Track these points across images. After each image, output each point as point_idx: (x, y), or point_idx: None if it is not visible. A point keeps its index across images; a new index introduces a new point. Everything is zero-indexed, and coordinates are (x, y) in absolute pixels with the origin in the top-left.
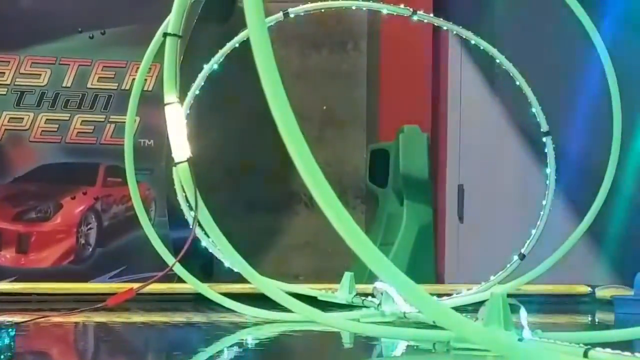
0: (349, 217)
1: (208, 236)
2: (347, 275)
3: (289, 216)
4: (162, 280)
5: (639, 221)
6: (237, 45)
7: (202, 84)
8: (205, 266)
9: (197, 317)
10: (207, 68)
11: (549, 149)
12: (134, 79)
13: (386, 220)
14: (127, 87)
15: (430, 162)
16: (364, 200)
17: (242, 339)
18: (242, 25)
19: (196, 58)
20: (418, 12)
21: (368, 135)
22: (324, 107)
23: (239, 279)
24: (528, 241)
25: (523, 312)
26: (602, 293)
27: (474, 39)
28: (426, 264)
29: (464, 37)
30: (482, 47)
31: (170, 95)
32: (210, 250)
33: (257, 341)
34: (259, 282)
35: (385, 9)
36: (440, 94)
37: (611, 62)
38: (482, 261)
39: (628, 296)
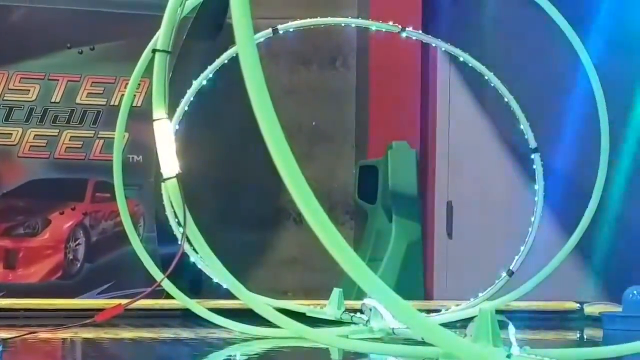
0: (337, 234)
1: (197, 252)
2: (336, 292)
3: (278, 232)
4: (150, 296)
5: (627, 238)
6: (226, 61)
7: (192, 100)
8: (194, 282)
9: (186, 333)
10: (196, 84)
11: (538, 166)
12: (123, 95)
13: (375, 237)
14: (116, 103)
15: (419, 178)
16: (352, 216)
17: (231, 356)
18: (232, 41)
19: (185, 74)
20: (407, 29)
21: (357, 152)
22: (313, 124)
23: (228, 295)
24: (517, 258)
25: (512, 328)
26: (591, 310)
27: (462, 56)
28: (415, 281)
29: (453, 54)
30: (470, 65)
31: (159, 111)
32: (199, 267)
33: (246, 357)
34: (247, 299)
35: (374, 26)
36: (429, 110)
37: (599, 79)
38: (470, 278)
39: (616, 313)
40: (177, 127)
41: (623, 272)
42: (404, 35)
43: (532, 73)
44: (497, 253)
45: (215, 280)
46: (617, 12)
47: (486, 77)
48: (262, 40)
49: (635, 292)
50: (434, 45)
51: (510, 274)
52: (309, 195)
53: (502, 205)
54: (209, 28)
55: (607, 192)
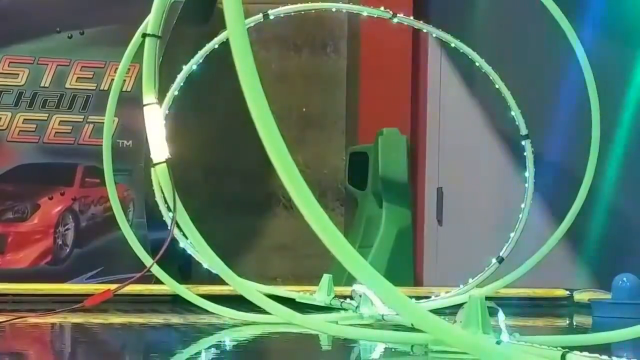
0: (327, 219)
1: (186, 237)
2: (326, 278)
3: (268, 218)
4: (139, 281)
5: (617, 225)
6: (216, 46)
7: (182, 84)
8: (184, 267)
9: (175, 319)
10: (186, 69)
11: (528, 153)
12: (112, 80)
13: (365, 223)
14: (106, 88)
15: (410, 164)
16: (342, 202)
17: (220, 341)
18: (222, 26)
19: (175, 59)
20: (398, 14)
21: (347, 138)
22: (304, 109)
23: (217, 280)
24: (506, 244)
25: (501, 315)
26: (580, 297)
27: (453, 42)
28: (405, 267)
29: (444, 40)
30: (461, 51)
31: (149, 96)
32: (189, 252)
33: (235, 343)
34: (237, 284)
35: (365, 12)
36: (419, 96)
37: (590, 66)
38: (460, 264)
39: (605, 300)
40: (167, 112)
41: (612, 259)
42: (395, 20)
43: (524, 59)
44: (487, 239)
45: (205, 265)
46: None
47: (477, 64)
48: (252, 25)
49: (624, 279)
50: (424, 31)
51: (500, 260)
52: (299, 181)
53: (492, 192)
54: (199, 12)
55: (597, 179)
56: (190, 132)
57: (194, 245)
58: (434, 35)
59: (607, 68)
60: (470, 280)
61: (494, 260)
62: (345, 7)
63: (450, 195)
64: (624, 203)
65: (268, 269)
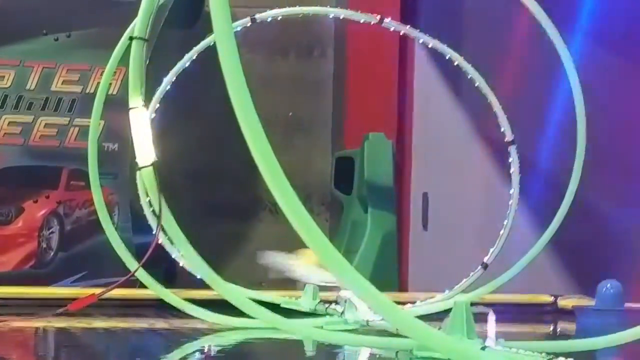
0: (313, 224)
1: (172, 242)
2: (311, 286)
3: (254, 222)
4: (124, 285)
5: (602, 231)
6: (203, 49)
7: (168, 88)
8: (169, 272)
9: (159, 323)
10: (172, 72)
11: (514, 158)
12: (98, 83)
13: (350, 228)
14: (92, 91)
15: (395, 169)
16: (328, 207)
17: (204, 346)
18: (209, 29)
19: (162, 62)
20: (385, 19)
21: (334, 142)
22: (290, 114)
23: (202, 285)
24: (491, 250)
25: (491, 318)
26: (565, 303)
27: (440, 48)
28: (390, 272)
29: (430, 46)
30: (448, 56)
31: (135, 99)
32: (174, 256)
33: (219, 348)
34: (222, 289)
35: (352, 16)
36: (406, 101)
37: (576, 72)
38: (445, 269)
39: (590, 306)
40: (153, 116)
41: (597, 265)
42: (382, 25)
43: (511, 65)
44: (472, 245)
45: (190, 270)
46: (597, 5)
47: (464, 69)
48: (239, 29)
49: (608, 286)
50: (412, 36)
51: (485, 266)
52: (285, 186)
53: (478, 198)
54: (187, 15)
55: (583, 186)
56: (176, 136)
57: (180, 249)
58: (420, 40)
59: (595, 72)
60: (456, 286)
61: (479, 266)
62: (333, 11)
63: (436, 200)
64: (609, 209)
65: (254, 273)
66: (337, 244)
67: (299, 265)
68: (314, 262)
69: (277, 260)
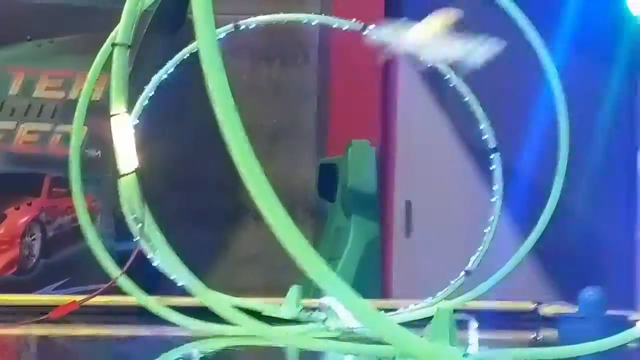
0: (296, 231)
1: (154, 249)
2: (293, 290)
3: (237, 229)
4: (106, 292)
5: (584, 239)
6: (187, 56)
7: (151, 94)
8: (151, 279)
9: (142, 331)
10: (155, 79)
11: (497, 166)
12: (81, 89)
13: (334, 235)
14: (75, 97)
15: (379, 177)
16: (312, 214)
17: (187, 353)
18: (193, 36)
19: (145, 69)
20: (369, 27)
21: (318, 149)
22: (274, 121)
23: (185, 292)
24: (473, 258)
25: (472, 325)
26: (547, 310)
27: (422, 55)
28: (373, 279)
29: (413, 54)
30: (431, 64)
31: (118, 106)
32: (156, 263)
33: (202, 355)
34: (204, 296)
35: (336, 23)
36: (390, 108)
37: (559, 80)
38: (428, 277)
39: (572, 313)
40: (136, 122)
41: (579, 272)
42: (366, 33)
43: (494, 73)
44: (455, 252)
45: (173, 277)
46: (580, 13)
47: (447, 76)
48: (223, 35)
49: (590, 293)
50: (394, 45)
51: (468, 273)
52: (267, 193)
53: (461, 205)
54: (170, 22)
55: (565, 193)
56: (159, 143)
57: (162, 256)
58: (402, 49)
59: (577, 81)
60: (439, 293)
61: (462, 273)
62: (316, 18)
63: (419, 207)
64: (591, 217)
65: (237, 280)
66: (320, 251)
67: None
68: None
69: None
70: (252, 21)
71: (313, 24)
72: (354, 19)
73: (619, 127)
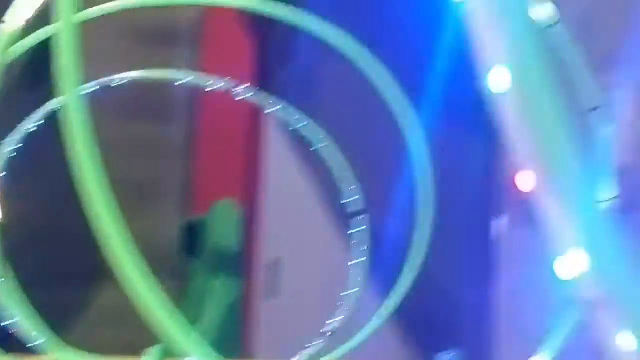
0: (156, 291)
1: (11, 306)
2: (155, 350)
3: (99, 287)
4: None
5: (443, 301)
6: (51, 110)
7: (11, 149)
8: (8, 338)
9: None
10: (19, 132)
11: (363, 228)
12: None
13: (197, 295)
14: None
15: (244, 236)
16: (176, 274)
17: None
18: (58, 91)
19: (6, 122)
20: (239, 87)
21: (183, 208)
22: (140, 178)
23: (42, 351)
24: (333, 319)
25: None
26: None
27: (289, 118)
28: (235, 339)
29: (282, 116)
30: (300, 125)
31: None
32: (13, 321)
33: None
34: (63, 356)
35: (205, 84)
36: (258, 167)
37: (424, 149)
38: (292, 336)
39: None
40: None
41: (438, 336)
42: (235, 93)
43: (364, 136)
44: (321, 312)
45: (30, 335)
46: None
47: (316, 138)
48: (89, 91)
49: (447, 358)
50: (262, 106)
51: (331, 334)
52: (125, 250)
53: (328, 264)
54: (34, 77)
55: (427, 257)
56: (21, 197)
57: (19, 313)
58: (270, 110)
59: (444, 150)
60: (301, 353)
61: (326, 334)
62: (185, 77)
63: (286, 266)
64: (450, 280)
65: (98, 339)
66: (185, 311)
67: None
68: None
69: None
70: (115, 78)
71: (182, 82)
72: (226, 78)
73: (476, 195)
